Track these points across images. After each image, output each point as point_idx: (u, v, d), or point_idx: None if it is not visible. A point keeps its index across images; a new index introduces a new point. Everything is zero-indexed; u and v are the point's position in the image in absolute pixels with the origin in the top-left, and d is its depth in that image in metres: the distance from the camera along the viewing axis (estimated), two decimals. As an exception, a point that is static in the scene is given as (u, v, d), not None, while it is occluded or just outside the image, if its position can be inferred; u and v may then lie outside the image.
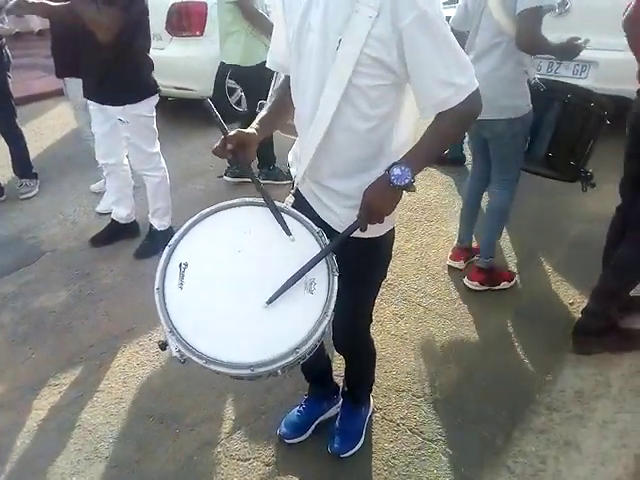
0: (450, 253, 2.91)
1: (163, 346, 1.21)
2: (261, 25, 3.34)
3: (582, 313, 2.21)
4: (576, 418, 1.83)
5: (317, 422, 1.97)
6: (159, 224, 3.10)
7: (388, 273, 1.64)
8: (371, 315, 1.70)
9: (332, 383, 2.02)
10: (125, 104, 2.74)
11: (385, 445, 1.92)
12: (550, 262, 2.87)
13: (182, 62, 4.62)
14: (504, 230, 2.85)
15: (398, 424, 2.00)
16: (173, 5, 4.48)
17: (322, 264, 1.26)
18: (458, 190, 3.67)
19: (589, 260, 2.69)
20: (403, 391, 2.14)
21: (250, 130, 1.34)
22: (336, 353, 1.91)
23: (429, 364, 2.27)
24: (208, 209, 1.34)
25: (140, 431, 2.02)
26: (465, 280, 2.73)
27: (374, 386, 2.01)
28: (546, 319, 2.49)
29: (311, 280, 1.25)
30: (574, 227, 3.19)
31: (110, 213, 3.42)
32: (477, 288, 2.67)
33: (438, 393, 2.12)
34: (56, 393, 2.21)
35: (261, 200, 1.36)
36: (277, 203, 1.36)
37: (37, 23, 7.63)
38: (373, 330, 1.84)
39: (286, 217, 1.33)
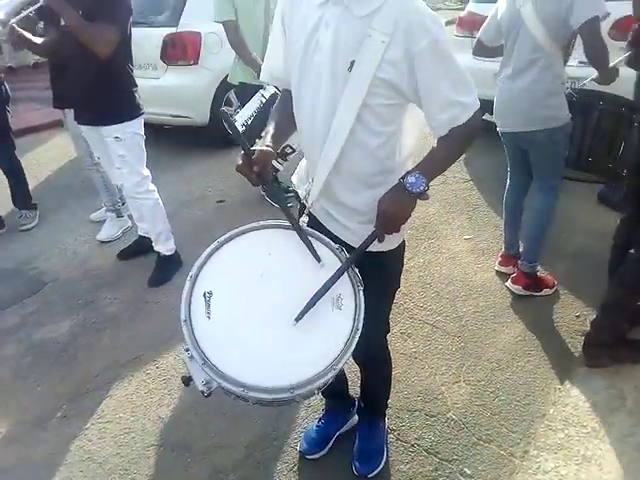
0: (499, 259, 2.97)
1: (187, 381, 1.20)
2: (244, 57, 3.40)
3: (591, 326, 2.21)
4: (593, 432, 1.82)
5: (336, 436, 1.97)
6: (165, 249, 3.09)
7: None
8: (389, 324, 1.74)
9: (349, 396, 2.03)
10: (123, 121, 2.76)
11: (401, 467, 1.89)
12: (553, 275, 2.88)
13: (178, 90, 4.67)
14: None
15: (413, 445, 1.98)
16: (167, 35, 4.55)
17: (346, 279, 1.29)
18: (457, 207, 3.70)
19: (592, 272, 2.74)
20: (416, 411, 2.12)
21: (267, 148, 1.36)
22: (350, 369, 1.90)
23: (440, 383, 2.25)
24: (224, 236, 1.34)
25: (151, 461, 1.98)
26: (508, 283, 2.80)
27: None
28: (554, 333, 2.49)
29: (337, 296, 1.27)
30: (575, 239, 3.21)
31: (112, 241, 3.51)
32: (520, 293, 2.73)
33: (451, 412, 2.10)
34: (64, 425, 2.17)
35: (276, 222, 1.38)
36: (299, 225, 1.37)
37: (33, 56, 7.71)
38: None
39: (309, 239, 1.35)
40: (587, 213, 3.47)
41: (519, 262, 2.78)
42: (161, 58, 4.64)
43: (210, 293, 1.24)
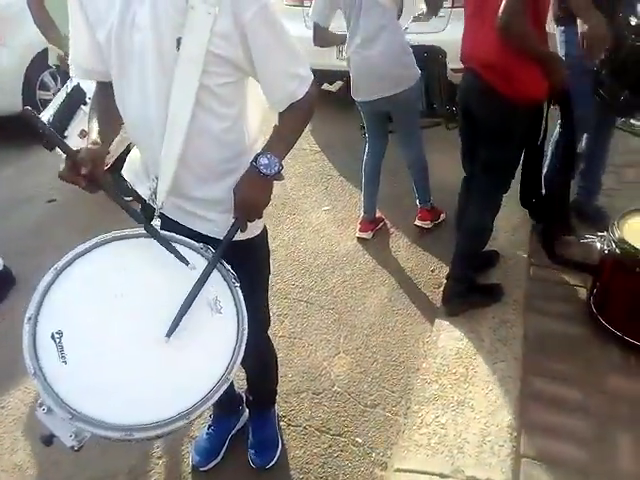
0: (358, 226, 3.06)
1: (48, 441, 1.00)
2: (49, 36, 2.96)
3: (446, 279, 2.39)
4: (462, 378, 1.98)
5: (228, 439, 1.89)
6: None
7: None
8: (269, 314, 1.71)
9: (236, 394, 1.93)
10: None
11: (296, 452, 1.88)
12: (408, 237, 3.06)
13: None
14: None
15: (305, 427, 1.97)
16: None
17: (218, 279, 1.18)
18: (312, 179, 3.73)
19: (445, 228, 2.99)
20: (302, 392, 2.12)
21: (96, 146, 1.18)
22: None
23: (321, 358, 2.28)
24: (62, 261, 1.12)
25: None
26: (417, 222, 3.06)
27: (273, 394, 1.95)
28: (416, 289, 2.66)
29: (214, 299, 1.15)
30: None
31: None
32: (429, 226, 3.04)
33: (336, 385, 2.14)
34: None
35: (122, 232, 1.20)
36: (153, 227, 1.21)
37: None
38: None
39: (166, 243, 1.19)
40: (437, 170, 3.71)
41: (419, 205, 3.05)
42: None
43: (60, 333, 1.03)
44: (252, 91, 1.29)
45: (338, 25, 2.82)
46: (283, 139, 1.29)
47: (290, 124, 1.29)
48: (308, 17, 4.62)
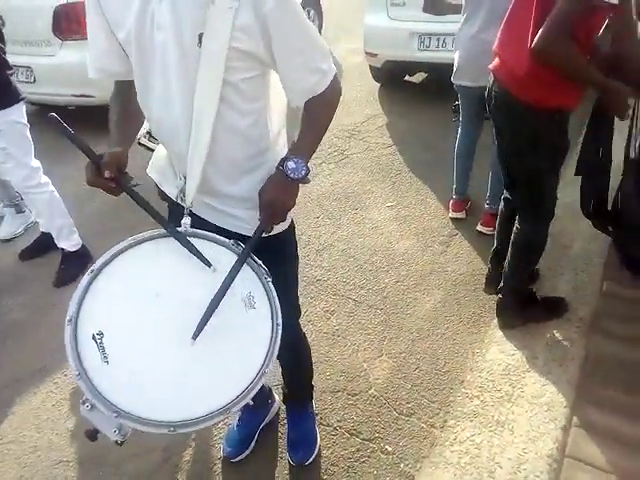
0: (451, 207, 3.10)
1: (93, 436, 1.05)
2: None
3: (499, 291, 2.21)
4: (506, 396, 1.84)
5: (258, 431, 1.90)
6: (69, 245, 2.87)
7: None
8: (299, 307, 1.66)
9: (265, 388, 1.94)
10: None
11: (324, 452, 1.86)
12: (471, 241, 2.90)
13: (76, 67, 4.26)
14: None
15: (335, 427, 1.94)
16: (59, 6, 4.13)
17: (251, 274, 1.19)
18: (379, 174, 3.65)
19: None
20: (338, 391, 2.09)
21: (118, 149, 1.20)
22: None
23: (362, 359, 2.22)
24: (99, 261, 1.15)
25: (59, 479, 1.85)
26: (479, 227, 2.94)
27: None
28: (472, 297, 2.51)
29: (247, 294, 1.16)
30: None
31: (13, 239, 3.24)
32: (492, 232, 2.74)
33: (373, 389, 2.08)
34: (-41, 453, 1.99)
35: (157, 232, 1.22)
36: (180, 229, 1.23)
37: None
38: (305, 330, 1.79)
39: (196, 242, 1.21)
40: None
41: (486, 206, 2.90)
42: (54, 32, 4.22)
43: (100, 333, 1.07)
44: (274, 85, 1.27)
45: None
46: (307, 139, 1.27)
47: (313, 122, 1.27)
48: (391, 7, 4.58)
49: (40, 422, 2.08)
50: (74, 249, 2.87)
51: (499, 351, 2.04)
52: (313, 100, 1.22)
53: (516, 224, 2.06)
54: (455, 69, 2.77)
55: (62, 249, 2.87)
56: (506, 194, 2.24)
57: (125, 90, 1.30)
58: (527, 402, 1.79)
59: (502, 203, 2.28)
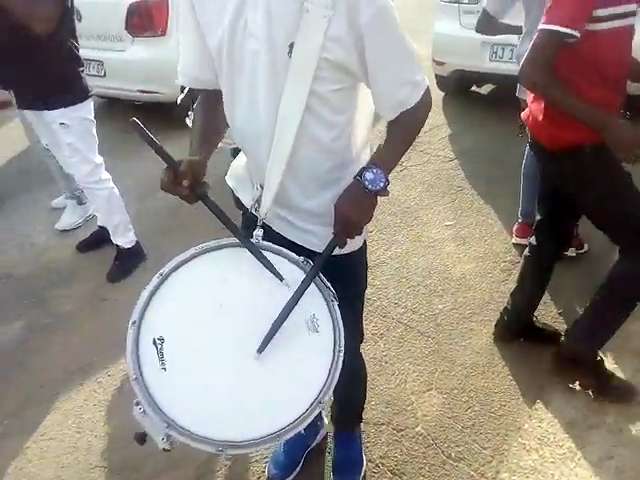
0: (515, 232, 2.89)
1: (142, 439, 1.01)
2: None
3: (563, 348, 1.99)
4: (569, 454, 1.67)
5: (305, 455, 1.84)
6: (125, 241, 2.90)
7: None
8: (363, 332, 1.60)
9: None
10: (68, 105, 2.51)
11: (363, 490, 1.76)
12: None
13: (146, 64, 4.36)
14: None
15: (377, 464, 1.83)
16: (132, 4, 4.22)
17: (317, 295, 1.12)
18: (439, 189, 3.49)
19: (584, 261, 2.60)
20: (383, 424, 1.97)
21: (198, 157, 1.17)
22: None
23: (410, 391, 2.10)
24: (168, 267, 1.12)
25: (94, 485, 1.84)
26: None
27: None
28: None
29: (311, 317, 1.10)
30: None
31: (73, 230, 3.33)
32: (573, 254, 2.70)
33: (420, 426, 1.95)
34: (4, 442, 2.02)
35: (228, 240, 1.17)
36: (253, 241, 1.18)
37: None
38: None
39: (267, 255, 1.16)
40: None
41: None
42: (126, 29, 4.32)
43: (161, 339, 1.03)
44: (361, 98, 1.21)
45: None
46: (391, 151, 1.21)
47: (399, 134, 1.21)
48: (463, 14, 4.39)
49: (81, 422, 2.08)
50: (129, 246, 2.90)
51: (564, 400, 1.86)
52: (403, 112, 1.16)
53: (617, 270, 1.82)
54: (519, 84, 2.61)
55: (117, 245, 2.90)
56: (532, 240, 2.12)
57: (211, 99, 1.27)
58: (593, 464, 1.62)
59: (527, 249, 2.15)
